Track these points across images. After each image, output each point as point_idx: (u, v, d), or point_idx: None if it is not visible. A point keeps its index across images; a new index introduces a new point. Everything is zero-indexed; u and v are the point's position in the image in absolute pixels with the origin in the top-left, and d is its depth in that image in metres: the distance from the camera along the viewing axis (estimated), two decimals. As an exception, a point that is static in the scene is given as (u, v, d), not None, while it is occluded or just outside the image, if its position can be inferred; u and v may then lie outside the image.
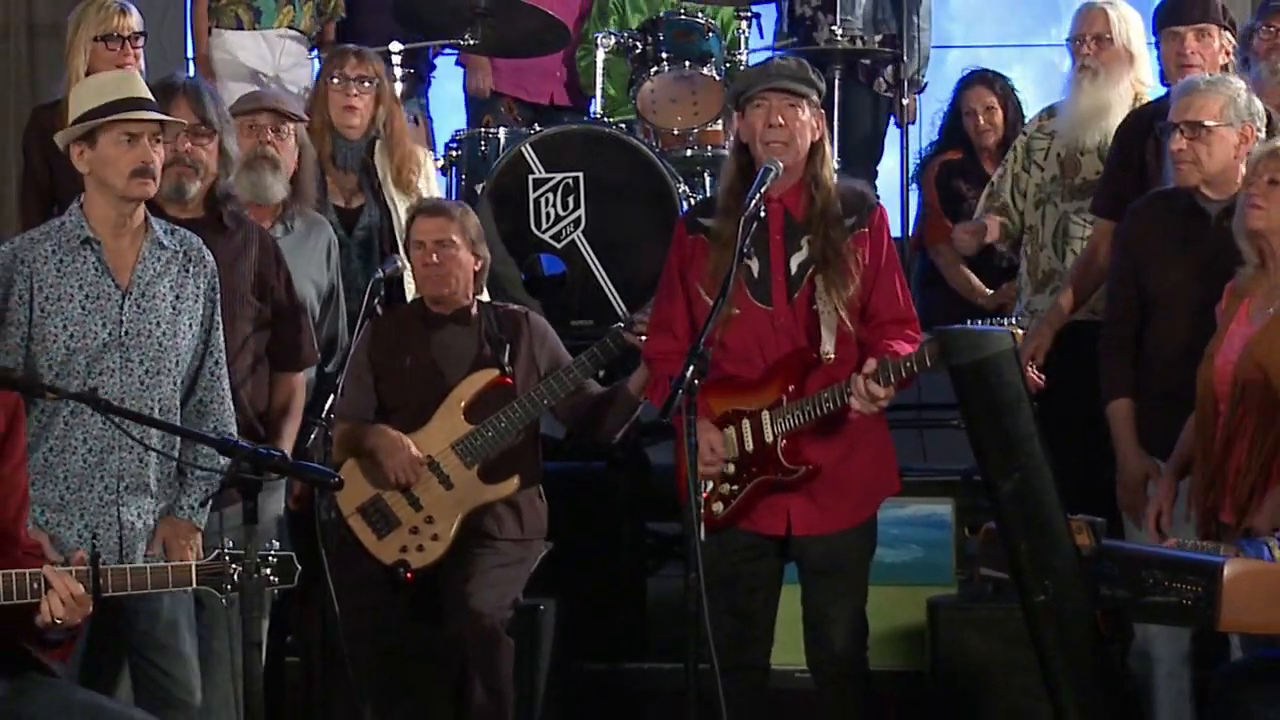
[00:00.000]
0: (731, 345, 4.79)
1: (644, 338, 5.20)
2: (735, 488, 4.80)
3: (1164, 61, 5.67)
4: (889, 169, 7.55)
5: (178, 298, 4.60)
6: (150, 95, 4.57)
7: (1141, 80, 5.87)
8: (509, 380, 5.39)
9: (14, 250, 4.54)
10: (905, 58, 7.27)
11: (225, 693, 4.81)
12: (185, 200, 4.95)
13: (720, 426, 4.80)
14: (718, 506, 4.79)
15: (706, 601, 4.38)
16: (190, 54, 7.62)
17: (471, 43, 6.86)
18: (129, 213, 4.54)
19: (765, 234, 4.79)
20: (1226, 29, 5.72)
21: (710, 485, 4.77)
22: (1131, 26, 5.91)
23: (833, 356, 4.74)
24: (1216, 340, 4.70)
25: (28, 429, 4.25)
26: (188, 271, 4.63)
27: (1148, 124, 5.59)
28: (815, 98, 4.82)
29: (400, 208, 5.92)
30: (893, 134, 7.52)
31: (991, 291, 6.80)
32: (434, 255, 5.40)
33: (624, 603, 6.11)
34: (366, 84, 5.93)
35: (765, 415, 4.77)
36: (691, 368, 4.41)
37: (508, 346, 5.43)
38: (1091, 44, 5.96)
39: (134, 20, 5.98)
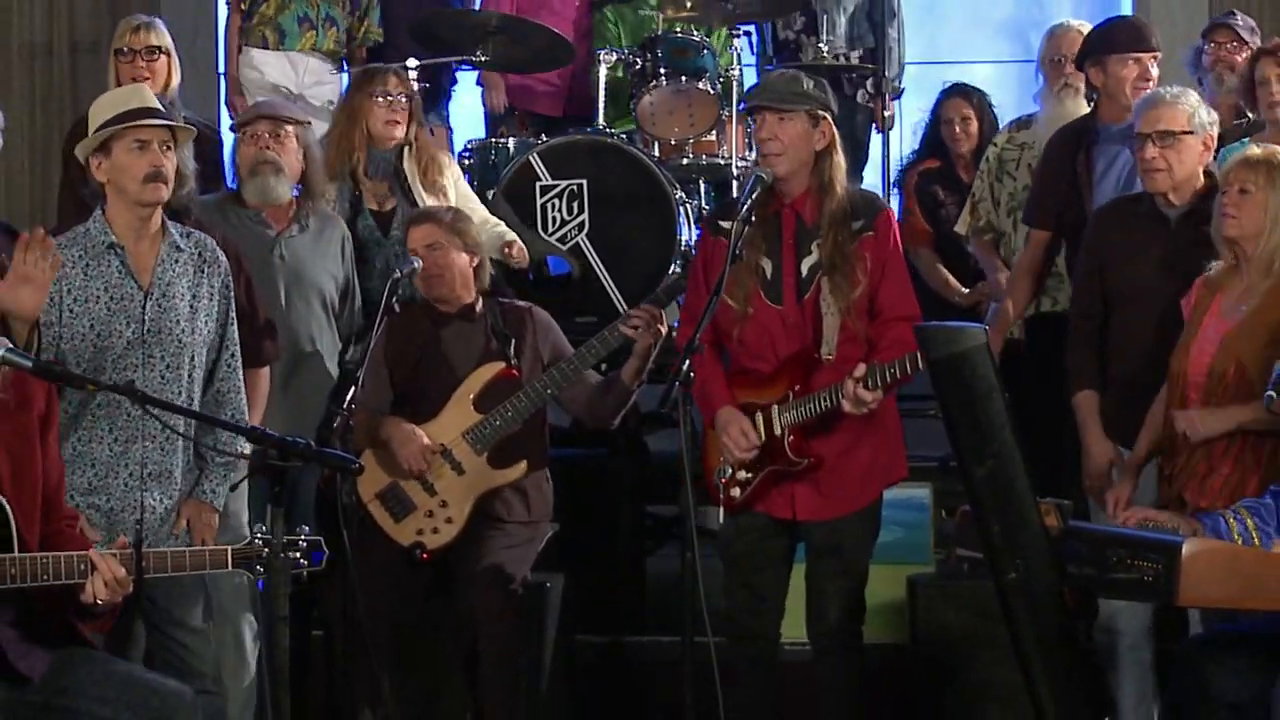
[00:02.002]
0: (747, 342, 4.84)
1: (638, 329, 5.25)
2: (750, 475, 4.83)
3: (1113, 82, 5.60)
4: (870, 175, 7.55)
5: (194, 296, 4.61)
6: (159, 105, 4.56)
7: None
8: (515, 372, 5.40)
9: None
10: (884, 67, 7.29)
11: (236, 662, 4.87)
12: None
13: None
14: (735, 492, 4.83)
15: (722, 577, 4.48)
16: (221, 69, 7.64)
17: (484, 59, 6.88)
18: (146, 217, 4.55)
19: (778, 237, 4.81)
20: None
21: (730, 472, 4.80)
22: None
23: (832, 357, 4.75)
24: (1189, 332, 4.69)
25: (60, 419, 4.28)
26: (203, 271, 4.64)
27: (1075, 139, 5.62)
28: (813, 108, 4.80)
29: (429, 204, 5.94)
30: (874, 141, 7.53)
31: (967, 290, 6.82)
32: (425, 259, 5.41)
33: (625, 580, 6.13)
34: (405, 100, 5.99)
35: (774, 409, 4.80)
36: (687, 363, 4.45)
37: (513, 341, 5.44)
38: (1070, 64, 6.00)
39: (150, 36, 5.98)
